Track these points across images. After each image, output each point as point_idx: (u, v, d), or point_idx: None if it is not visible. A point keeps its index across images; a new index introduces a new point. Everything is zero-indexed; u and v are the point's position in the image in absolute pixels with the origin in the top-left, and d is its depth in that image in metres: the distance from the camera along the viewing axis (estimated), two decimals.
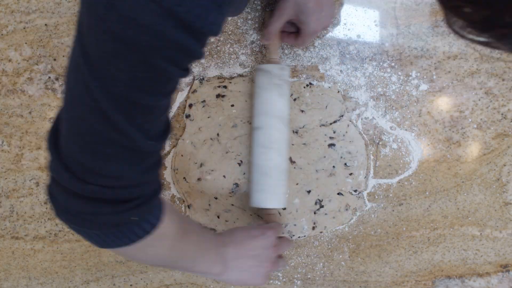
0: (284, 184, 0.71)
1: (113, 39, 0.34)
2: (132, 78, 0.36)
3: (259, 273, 0.63)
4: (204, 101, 0.75)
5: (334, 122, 0.75)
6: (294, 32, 0.70)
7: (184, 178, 0.76)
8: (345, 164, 0.75)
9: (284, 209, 0.75)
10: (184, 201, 0.77)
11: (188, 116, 0.76)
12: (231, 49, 0.75)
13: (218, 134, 0.75)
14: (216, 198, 0.76)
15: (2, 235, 0.78)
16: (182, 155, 0.76)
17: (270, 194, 0.70)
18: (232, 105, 0.75)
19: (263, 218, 0.75)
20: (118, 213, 0.43)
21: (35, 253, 0.78)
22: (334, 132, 0.75)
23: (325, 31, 0.74)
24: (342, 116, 0.75)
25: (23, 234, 0.78)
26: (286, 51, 0.74)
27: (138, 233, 0.47)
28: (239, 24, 0.75)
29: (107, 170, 0.41)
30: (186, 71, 0.40)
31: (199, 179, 0.76)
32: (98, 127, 0.38)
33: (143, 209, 0.45)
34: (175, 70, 0.38)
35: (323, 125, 0.75)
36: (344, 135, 0.75)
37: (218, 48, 0.75)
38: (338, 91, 0.74)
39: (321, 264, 0.76)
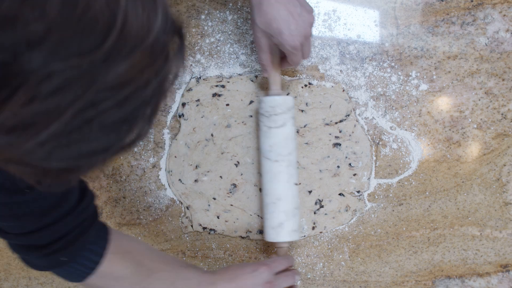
0: (291, 216, 0.70)
1: None
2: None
3: None
4: (198, 100, 0.75)
5: (340, 121, 0.74)
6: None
7: (179, 180, 0.76)
8: (350, 164, 0.75)
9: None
10: (181, 202, 0.77)
11: (181, 116, 0.75)
12: (231, 49, 0.75)
13: (212, 135, 0.75)
14: (214, 199, 0.76)
15: None
16: (175, 157, 0.76)
17: (276, 229, 0.69)
18: (227, 104, 0.75)
19: (262, 218, 0.75)
20: (46, 255, 0.50)
21: None
22: (340, 132, 0.74)
23: (320, 33, 0.74)
24: (348, 115, 0.74)
25: None
26: None
27: (75, 273, 0.53)
28: (239, 24, 0.75)
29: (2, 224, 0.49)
30: None
31: (196, 181, 0.76)
32: None
33: (69, 249, 0.50)
34: None
35: (328, 124, 0.75)
36: (350, 135, 0.74)
37: (218, 48, 0.75)
38: (343, 90, 0.74)
39: (321, 264, 0.76)
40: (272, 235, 0.70)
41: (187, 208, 0.76)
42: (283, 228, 0.69)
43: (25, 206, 0.46)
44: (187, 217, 0.77)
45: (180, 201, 0.77)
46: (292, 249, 0.76)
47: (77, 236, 0.50)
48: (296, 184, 0.70)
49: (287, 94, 0.74)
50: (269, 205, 0.69)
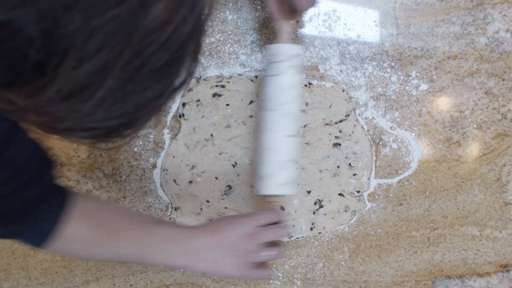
0: (284, 168, 0.65)
1: None
2: None
3: (232, 263, 0.60)
4: (198, 100, 0.75)
5: (340, 121, 0.74)
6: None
7: (174, 180, 0.76)
8: (350, 164, 0.75)
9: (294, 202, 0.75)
10: (170, 204, 0.76)
11: (181, 116, 0.75)
12: (231, 49, 0.75)
13: (212, 135, 0.75)
14: (208, 202, 0.76)
15: None
16: (173, 157, 0.75)
17: (267, 180, 0.65)
18: (227, 104, 0.75)
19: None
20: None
21: (35, 253, 0.78)
22: (340, 132, 0.74)
23: (320, 33, 0.74)
24: (348, 115, 0.74)
25: None
26: None
27: (33, 240, 0.52)
28: (239, 24, 0.75)
29: None
30: None
31: (190, 182, 0.75)
32: None
33: (24, 221, 0.50)
34: None
35: (327, 124, 0.74)
36: (350, 135, 0.74)
37: (218, 48, 0.75)
38: (343, 90, 0.74)
39: (321, 264, 0.76)
40: (261, 188, 0.65)
41: (175, 209, 0.76)
42: (272, 179, 0.65)
43: None
44: (170, 218, 0.76)
45: (170, 201, 0.76)
46: (292, 249, 0.76)
47: (32, 207, 0.50)
48: (292, 135, 0.66)
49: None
50: (260, 156, 0.66)
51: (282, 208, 0.75)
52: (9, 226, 0.50)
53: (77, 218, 0.54)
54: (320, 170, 0.75)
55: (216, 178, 0.75)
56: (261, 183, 0.66)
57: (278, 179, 0.65)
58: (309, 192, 0.75)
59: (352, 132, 0.74)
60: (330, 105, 0.74)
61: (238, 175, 0.75)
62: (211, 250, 0.60)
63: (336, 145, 0.74)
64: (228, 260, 0.60)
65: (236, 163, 0.75)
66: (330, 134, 0.74)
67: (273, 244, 0.64)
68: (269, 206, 0.68)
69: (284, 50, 0.65)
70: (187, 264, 0.60)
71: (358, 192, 0.75)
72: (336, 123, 0.74)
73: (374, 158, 0.75)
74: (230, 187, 0.75)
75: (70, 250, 0.56)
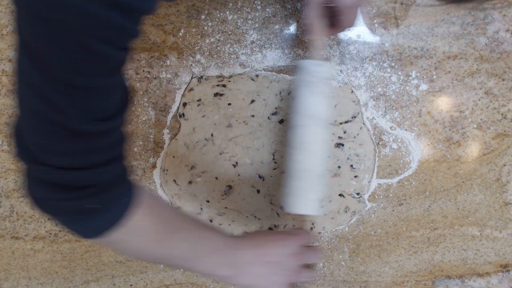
0: (317, 189, 0.63)
1: (43, 23, 0.35)
2: (66, 60, 0.37)
3: (276, 281, 0.59)
4: (199, 99, 0.75)
5: (346, 122, 0.74)
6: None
7: (174, 180, 0.76)
8: (351, 166, 0.75)
9: (325, 214, 0.75)
10: (170, 204, 0.76)
11: (182, 116, 0.75)
12: (231, 49, 0.75)
13: (212, 135, 0.75)
14: (208, 202, 0.76)
15: (2, 235, 0.78)
16: (173, 157, 0.75)
17: (298, 199, 0.63)
18: (229, 104, 0.75)
19: (260, 219, 0.75)
20: (74, 199, 0.44)
21: (35, 253, 0.78)
22: (345, 132, 0.74)
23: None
24: (355, 117, 0.74)
25: (23, 234, 0.78)
26: (286, 51, 0.74)
27: (102, 224, 0.47)
28: (239, 24, 0.75)
29: (54, 147, 0.42)
30: (124, 50, 0.40)
31: (190, 182, 0.76)
32: (42, 108, 0.39)
33: (102, 196, 0.45)
34: (110, 50, 0.38)
35: (331, 123, 0.74)
36: (355, 136, 0.74)
37: (218, 48, 0.75)
38: (352, 91, 0.74)
39: (321, 264, 0.76)
40: (294, 206, 0.63)
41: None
42: (307, 198, 0.63)
43: (91, 140, 0.42)
44: (182, 213, 0.76)
45: (170, 201, 0.76)
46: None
47: (113, 185, 0.46)
48: (322, 151, 0.63)
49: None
50: (294, 172, 0.63)
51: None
52: (83, 201, 0.45)
53: (144, 208, 0.50)
54: None
55: (217, 178, 0.75)
56: (294, 201, 0.64)
57: (311, 197, 0.63)
58: None
59: (358, 134, 0.74)
60: (336, 105, 0.74)
61: (239, 175, 0.75)
62: (257, 265, 0.59)
63: (339, 145, 0.74)
64: (272, 277, 0.59)
65: (236, 163, 0.75)
66: (333, 134, 0.74)
67: (307, 265, 0.63)
68: (301, 225, 0.67)
69: (319, 69, 0.63)
70: (230, 275, 0.58)
71: (358, 194, 0.75)
72: (341, 123, 0.74)
73: (377, 160, 0.75)
74: (230, 187, 0.75)
75: (128, 242, 0.51)
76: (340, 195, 0.75)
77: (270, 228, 0.76)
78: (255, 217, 0.76)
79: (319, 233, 0.76)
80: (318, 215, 0.66)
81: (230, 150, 0.75)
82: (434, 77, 0.74)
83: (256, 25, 0.74)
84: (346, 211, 0.75)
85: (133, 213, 0.49)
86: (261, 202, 0.75)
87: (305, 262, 0.61)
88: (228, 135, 0.75)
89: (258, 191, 0.75)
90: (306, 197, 0.63)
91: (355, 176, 0.75)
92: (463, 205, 0.75)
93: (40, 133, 0.41)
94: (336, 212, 0.75)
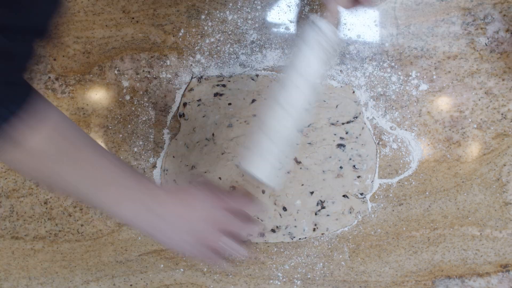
0: (281, 157, 0.58)
1: None
2: None
3: (187, 241, 0.53)
4: (199, 99, 0.75)
5: (348, 122, 0.74)
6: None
7: (174, 180, 0.76)
8: (354, 166, 0.75)
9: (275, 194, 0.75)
10: None
11: (182, 115, 0.75)
12: (231, 49, 0.75)
13: (213, 135, 0.75)
14: None
15: (2, 235, 0.78)
16: (173, 157, 0.75)
17: (258, 159, 0.57)
18: (230, 104, 0.74)
19: (262, 220, 0.75)
20: None
21: (35, 253, 0.78)
22: (347, 133, 0.74)
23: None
24: (356, 117, 0.74)
25: (23, 234, 0.78)
26: (286, 51, 0.74)
27: None
28: (239, 24, 0.75)
29: None
30: None
31: (190, 182, 0.75)
32: None
33: None
34: None
35: (333, 124, 0.74)
36: (357, 137, 0.74)
37: (218, 48, 0.75)
38: (354, 92, 0.74)
39: (321, 264, 0.76)
40: (247, 162, 0.58)
41: None
42: (264, 163, 0.58)
43: None
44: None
45: None
46: (292, 249, 0.76)
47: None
48: (302, 121, 0.60)
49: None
50: (263, 133, 0.58)
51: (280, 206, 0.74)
52: None
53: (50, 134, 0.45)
54: (323, 171, 0.75)
55: (220, 178, 0.75)
56: (249, 158, 0.58)
57: (271, 162, 0.58)
58: (312, 193, 0.75)
59: (360, 135, 0.74)
60: (337, 106, 0.74)
61: (243, 175, 0.75)
62: (171, 216, 0.53)
63: (340, 146, 0.74)
64: (184, 236, 0.53)
65: (240, 163, 0.75)
66: (335, 134, 0.74)
67: (238, 235, 0.56)
68: (244, 189, 0.61)
69: (330, 34, 0.58)
70: (136, 216, 0.51)
71: (361, 194, 0.75)
72: (343, 123, 0.74)
73: (378, 160, 0.75)
74: (233, 188, 0.75)
75: (27, 164, 0.46)
76: (344, 196, 0.75)
77: (272, 230, 0.76)
78: (258, 218, 0.75)
79: (322, 234, 0.76)
80: (269, 186, 0.59)
81: (232, 150, 0.75)
82: (434, 77, 0.74)
83: (256, 25, 0.74)
84: (351, 212, 0.75)
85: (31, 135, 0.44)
86: (266, 202, 0.75)
87: (227, 230, 0.55)
88: (229, 135, 0.75)
89: (263, 192, 0.75)
90: (266, 159, 0.57)
91: (358, 177, 0.75)
92: (463, 205, 0.75)
93: None
94: (340, 213, 0.75)
